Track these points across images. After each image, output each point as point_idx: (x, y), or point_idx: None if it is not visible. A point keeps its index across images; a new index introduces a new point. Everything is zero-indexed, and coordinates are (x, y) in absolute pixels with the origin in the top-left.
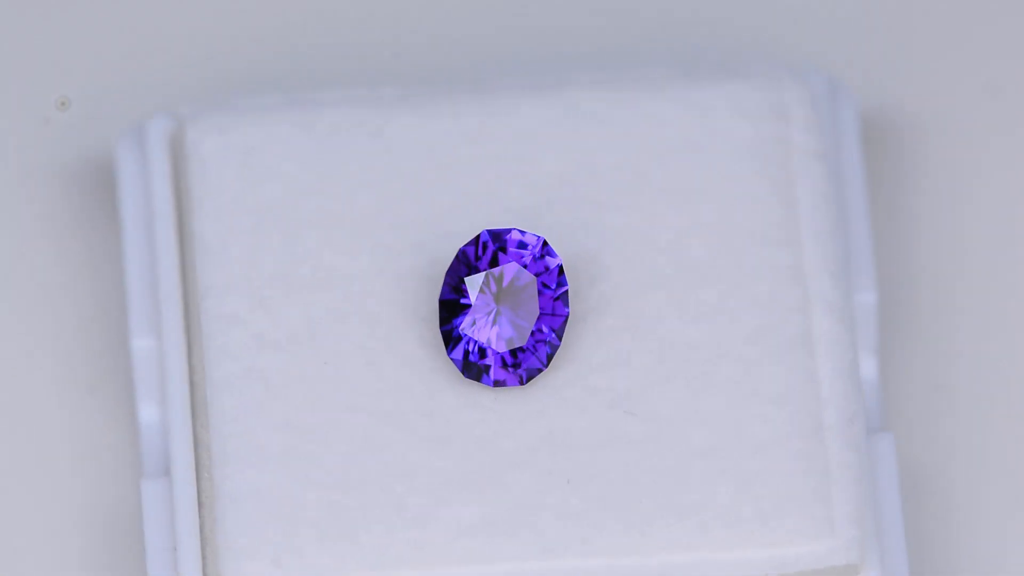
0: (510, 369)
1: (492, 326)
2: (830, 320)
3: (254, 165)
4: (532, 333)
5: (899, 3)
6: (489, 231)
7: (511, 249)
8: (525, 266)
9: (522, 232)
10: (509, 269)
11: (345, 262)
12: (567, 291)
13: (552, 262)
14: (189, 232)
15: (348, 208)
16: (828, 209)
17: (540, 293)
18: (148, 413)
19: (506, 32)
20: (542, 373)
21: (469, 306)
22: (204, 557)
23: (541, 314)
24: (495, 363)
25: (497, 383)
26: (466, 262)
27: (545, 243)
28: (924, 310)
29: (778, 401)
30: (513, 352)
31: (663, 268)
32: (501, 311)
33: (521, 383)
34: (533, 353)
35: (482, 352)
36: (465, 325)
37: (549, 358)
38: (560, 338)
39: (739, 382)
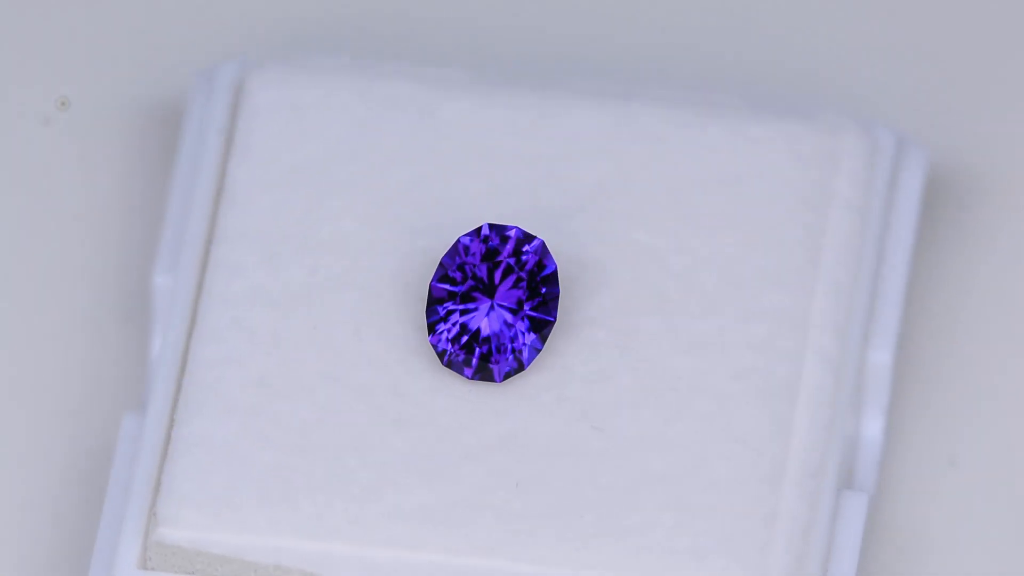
0: (488, 364)
1: (477, 319)
2: (821, 373)
3: (301, 123)
4: (516, 333)
5: (992, 73)
6: (491, 225)
7: (509, 246)
8: (521, 265)
9: (524, 231)
10: (502, 266)
11: (360, 233)
12: (557, 297)
13: (548, 266)
14: (224, 177)
15: (378, 181)
16: (851, 264)
17: (530, 294)
18: (158, 351)
19: (588, 37)
20: (521, 374)
21: (457, 295)
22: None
23: (527, 315)
24: (474, 356)
25: (474, 376)
26: (463, 252)
27: (544, 246)
28: (951, 377)
29: (744, 441)
30: (497, 348)
31: (669, 293)
32: (488, 305)
33: (497, 380)
34: (513, 352)
35: (465, 344)
36: (451, 314)
37: (529, 360)
38: (543, 342)
39: (711, 417)
